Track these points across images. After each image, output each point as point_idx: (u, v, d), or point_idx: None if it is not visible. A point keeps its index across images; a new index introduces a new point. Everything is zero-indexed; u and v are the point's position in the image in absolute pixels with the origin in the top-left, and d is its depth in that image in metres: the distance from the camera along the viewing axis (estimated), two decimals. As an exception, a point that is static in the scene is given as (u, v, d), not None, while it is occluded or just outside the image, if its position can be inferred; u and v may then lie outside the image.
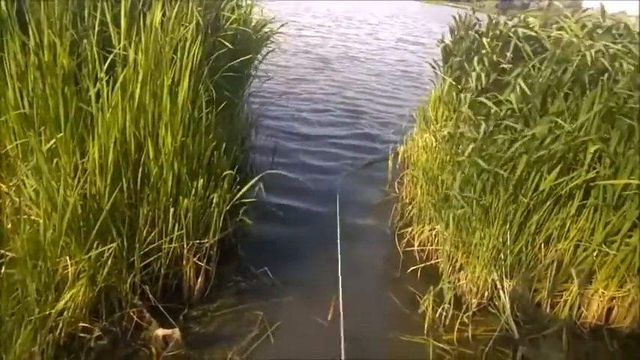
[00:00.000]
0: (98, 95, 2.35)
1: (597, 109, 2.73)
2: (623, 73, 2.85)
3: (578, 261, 2.86)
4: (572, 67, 2.83)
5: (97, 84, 2.36)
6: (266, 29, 4.55)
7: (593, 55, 2.83)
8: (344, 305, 2.65)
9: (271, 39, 4.63)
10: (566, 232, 2.89)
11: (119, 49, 2.45)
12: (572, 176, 2.77)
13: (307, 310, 2.67)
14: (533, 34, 3.29)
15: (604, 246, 2.79)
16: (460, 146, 3.07)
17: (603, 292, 2.85)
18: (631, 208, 2.73)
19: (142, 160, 2.46)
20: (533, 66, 2.97)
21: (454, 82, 3.65)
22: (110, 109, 2.34)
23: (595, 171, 2.76)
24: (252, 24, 4.25)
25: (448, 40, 4.43)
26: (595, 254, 2.81)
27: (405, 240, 3.33)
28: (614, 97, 2.74)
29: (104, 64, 2.37)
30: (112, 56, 2.44)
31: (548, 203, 2.83)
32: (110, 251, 2.18)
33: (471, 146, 2.85)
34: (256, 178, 2.80)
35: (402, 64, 11.13)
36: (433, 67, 4.43)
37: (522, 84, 2.87)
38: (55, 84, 2.28)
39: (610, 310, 2.88)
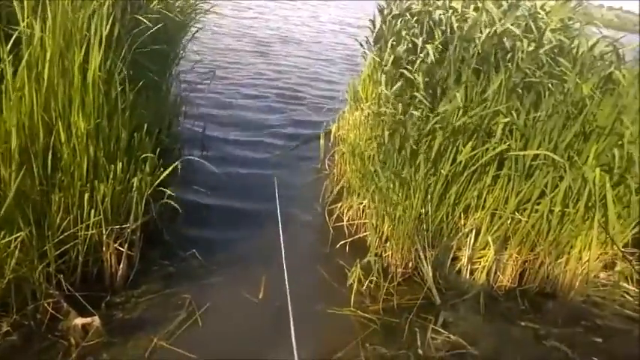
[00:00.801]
0: (1, 76, 2.18)
1: (504, 83, 2.88)
2: (523, 52, 3.02)
3: (494, 229, 3.05)
4: (474, 45, 2.96)
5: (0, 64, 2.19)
6: (196, 9, 4.39)
7: (490, 33, 2.98)
8: (274, 281, 2.68)
9: (202, 18, 4.48)
10: (483, 201, 3.07)
11: (24, 26, 2.27)
12: (486, 148, 2.92)
13: (237, 290, 2.67)
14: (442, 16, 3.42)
15: (517, 213, 2.99)
16: (382, 123, 3.15)
17: (517, 257, 3.06)
18: (539, 177, 2.94)
19: (53, 143, 2.32)
20: (444, 44, 3.09)
21: (380, 61, 3.71)
22: (15, 91, 2.19)
23: (507, 144, 2.92)
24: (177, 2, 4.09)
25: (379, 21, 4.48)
26: (509, 221, 3.01)
27: (335, 215, 3.40)
28: (519, 72, 2.91)
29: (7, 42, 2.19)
30: (16, 34, 2.27)
31: (465, 174, 2.98)
32: (17, 241, 2.06)
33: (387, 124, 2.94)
34: (177, 162, 2.72)
35: (342, 46, 11.07)
36: (362, 45, 4.48)
37: (432, 55, 2.97)
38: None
39: (523, 272, 3.11)
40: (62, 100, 2.37)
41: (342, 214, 3.42)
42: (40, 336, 2.15)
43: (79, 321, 2.17)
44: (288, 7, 15.60)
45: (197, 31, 4.51)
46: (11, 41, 2.24)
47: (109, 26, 2.50)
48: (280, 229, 2.40)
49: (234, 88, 6.36)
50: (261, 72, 7.46)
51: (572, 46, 3.39)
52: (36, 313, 2.19)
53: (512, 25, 3.13)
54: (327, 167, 4.23)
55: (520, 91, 3.01)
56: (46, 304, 2.20)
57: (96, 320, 2.18)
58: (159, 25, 3.19)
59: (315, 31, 12.62)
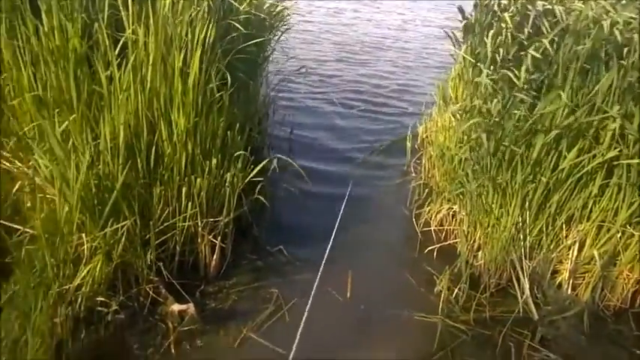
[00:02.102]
0: (110, 78, 2.37)
1: (616, 83, 2.61)
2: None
3: (601, 242, 2.78)
4: (587, 40, 2.70)
5: (109, 67, 2.37)
6: (283, 11, 4.50)
7: (607, 26, 2.69)
8: (361, 283, 2.65)
9: (288, 21, 4.59)
10: (589, 212, 2.81)
11: (129, 32, 2.45)
12: (593, 154, 2.67)
13: (324, 288, 2.66)
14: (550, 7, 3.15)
15: (628, 227, 2.70)
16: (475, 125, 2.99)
17: (628, 275, 2.76)
18: (657, 188, 2.63)
19: (156, 140, 2.48)
20: (552, 40, 2.85)
21: (473, 60, 3.54)
22: (122, 92, 2.36)
23: (617, 150, 2.65)
24: (266, 6, 4.21)
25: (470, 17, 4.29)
26: (619, 235, 2.72)
27: (423, 220, 3.29)
28: (635, 70, 2.62)
29: (115, 47, 2.37)
30: (123, 39, 2.45)
31: (569, 182, 2.75)
32: (124, 229, 2.22)
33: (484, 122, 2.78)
34: (266, 161, 2.78)
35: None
36: (453, 44, 4.31)
37: (536, 54, 2.76)
38: (67, 67, 2.31)
39: (635, 293, 2.80)
40: (164, 100, 2.52)
41: (430, 219, 3.30)
42: (143, 317, 2.30)
43: (176, 307, 2.29)
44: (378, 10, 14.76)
45: (283, 33, 4.60)
46: (119, 46, 2.42)
47: (205, 31, 2.61)
48: (335, 229, 2.34)
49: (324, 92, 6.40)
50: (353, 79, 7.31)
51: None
52: (139, 296, 2.35)
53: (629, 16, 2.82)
54: (413, 170, 4.12)
55: (636, 92, 2.71)
56: (147, 289, 2.34)
57: (191, 307, 2.29)
58: (249, 30, 3.30)
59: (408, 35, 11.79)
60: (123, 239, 2.24)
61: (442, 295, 2.63)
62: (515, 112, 2.71)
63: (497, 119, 2.80)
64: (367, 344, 2.37)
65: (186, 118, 2.53)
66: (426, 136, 4.44)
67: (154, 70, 2.46)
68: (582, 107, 2.65)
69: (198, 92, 2.58)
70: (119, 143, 2.35)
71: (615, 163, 2.71)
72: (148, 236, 2.37)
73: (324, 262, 2.47)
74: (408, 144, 4.39)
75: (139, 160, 2.48)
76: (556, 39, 2.85)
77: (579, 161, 2.72)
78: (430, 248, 3.04)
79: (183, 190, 2.53)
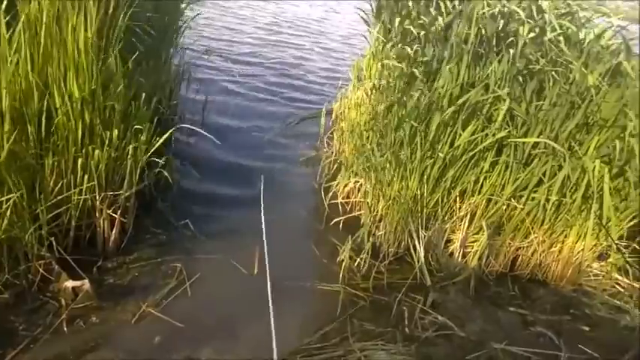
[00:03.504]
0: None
1: (506, 68, 2.84)
2: (527, 36, 2.95)
3: (489, 214, 3.04)
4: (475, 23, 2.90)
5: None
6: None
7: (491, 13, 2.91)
8: (268, 258, 2.68)
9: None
10: (480, 186, 3.05)
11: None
12: (485, 133, 2.89)
13: (228, 262, 2.68)
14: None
15: (513, 200, 2.97)
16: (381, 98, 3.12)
17: (510, 243, 3.06)
18: (538, 165, 2.91)
19: (48, 108, 2.31)
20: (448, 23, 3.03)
21: (383, 38, 3.65)
22: (10, 53, 2.16)
23: (507, 130, 2.89)
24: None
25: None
26: (504, 208, 3.00)
27: (331, 193, 3.39)
28: (522, 58, 2.85)
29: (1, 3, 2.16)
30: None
31: (463, 159, 2.96)
32: (10, 201, 2.06)
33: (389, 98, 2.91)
34: (171, 130, 2.69)
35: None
36: (366, 22, 4.41)
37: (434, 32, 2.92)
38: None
39: (515, 259, 3.11)
40: (57, 64, 2.34)
41: (338, 192, 3.41)
42: (32, 296, 2.17)
43: (70, 283, 2.19)
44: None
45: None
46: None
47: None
48: (262, 207, 2.37)
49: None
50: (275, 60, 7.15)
51: (580, 35, 3.31)
52: (27, 273, 2.21)
53: (516, 7, 3.06)
54: (325, 146, 4.21)
55: (522, 78, 2.96)
56: (37, 265, 2.21)
57: (86, 284, 2.20)
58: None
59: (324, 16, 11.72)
60: (8, 213, 2.08)
61: (344, 264, 2.74)
62: (413, 93, 2.85)
63: (399, 95, 2.94)
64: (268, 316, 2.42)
65: (82, 84, 2.38)
66: (340, 113, 4.54)
67: (47, 30, 2.27)
68: (476, 88, 2.84)
69: (95, 58, 2.42)
70: (3, 109, 2.16)
71: (505, 142, 2.96)
72: (37, 210, 2.23)
73: (228, 235, 2.48)
74: (322, 120, 4.47)
75: (29, 128, 2.30)
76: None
77: (473, 139, 2.94)
78: (336, 220, 3.15)
79: (79, 161, 2.39)
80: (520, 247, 3.08)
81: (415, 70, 2.88)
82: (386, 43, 3.53)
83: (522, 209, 2.95)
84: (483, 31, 2.96)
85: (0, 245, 2.12)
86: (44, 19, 2.26)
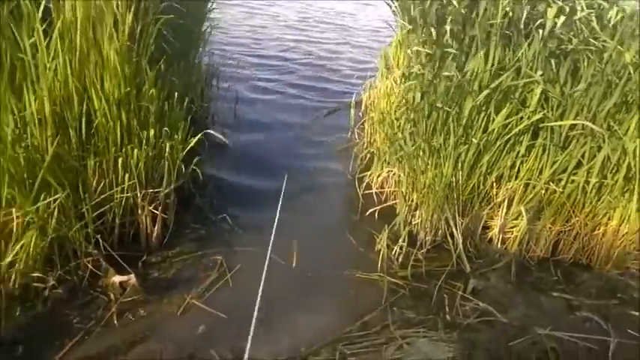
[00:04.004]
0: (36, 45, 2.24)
1: (538, 49, 2.76)
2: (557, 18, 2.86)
3: (527, 199, 2.98)
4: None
5: (33, 34, 2.24)
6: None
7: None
8: (305, 247, 2.72)
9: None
10: (517, 171, 2.99)
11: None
12: (519, 116, 2.83)
13: (266, 254, 2.71)
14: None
15: (551, 184, 2.90)
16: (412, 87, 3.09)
17: (550, 227, 2.99)
18: (576, 148, 2.84)
19: (87, 111, 2.40)
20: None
21: (410, 26, 3.60)
22: (49, 60, 2.25)
23: (542, 113, 2.82)
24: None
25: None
26: (543, 192, 2.93)
27: (365, 184, 3.38)
28: (554, 39, 2.77)
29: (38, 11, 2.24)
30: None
31: (498, 144, 2.90)
32: (57, 202, 2.16)
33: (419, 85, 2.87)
34: (200, 135, 2.73)
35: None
36: (393, 11, 4.35)
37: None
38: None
39: (556, 243, 3.04)
40: (93, 68, 2.42)
41: (372, 183, 3.41)
42: (83, 291, 2.27)
43: (117, 278, 2.27)
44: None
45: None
46: (41, 8, 2.27)
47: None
48: (280, 202, 2.40)
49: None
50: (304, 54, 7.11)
51: (611, 14, 3.18)
52: (78, 270, 2.31)
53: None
54: (357, 137, 4.20)
55: (556, 59, 2.88)
56: (85, 262, 2.31)
57: (132, 278, 2.28)
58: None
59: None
60: (56, 213, 2.18)
61: (381, 253, 2.74)
62: (445, 73, 2.81)
63: (430, 79, 2.90)
64: (311, 306, 2.45)
65: (117, 87, 2.45)
66: (370, 103, 4.52)
67: (83, 36, 2.36)
68: (507, 71, 2.78)
69: (129, 61, 2.49)
70: (45, 114, 2.25)
71: (540, 125, 2.89)
72: (83, 209, 2.32)
73: (273, 229, 2.52)
74: (352, 110, 4.46)
75: (70, 132, 2.39)
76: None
77: (508, 123, 2.88)
78: (371, 210, 3.14)
79: (120, 160, 2.48)
80: (561, 232, 3.01)
81: (448, 50, 2.83)
82: (411, 29, 3.48)
83: (562, 193, 2.88)
84: (511, 13, 2.89)
85: (51, 244, 2.22)
86: (78, 26, 2.33)
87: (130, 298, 2.26)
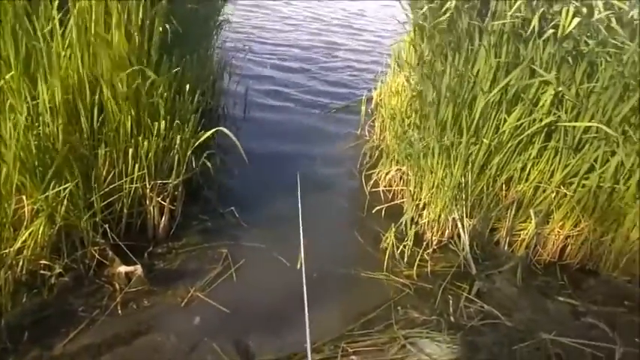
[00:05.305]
0: (51, 34, 2.26)
1: (552, 50, 2.72)
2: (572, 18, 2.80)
3: (537, 202, 2.95)
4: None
5: (50, 22, 2.25)
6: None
7: None
8: (310, 245, 2.70)
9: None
10: (527, 174, 2.96)
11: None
12: (532, 118, 2.79)
13: (273, 250, 2.72)
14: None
15: (562, 187, 2.87)
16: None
17: (559, 232, 2.96)
18: (589, 151, 2.79)
19: (99, 101, 2.41)
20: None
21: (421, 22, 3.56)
22: (63, 49, 2.27)
23: (556, 115, 2.78)
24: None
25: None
26: (553, 195, 2.90)
27: (372, 181, 3.37)
28: (569, 40, 2.73)
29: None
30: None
31: (509, 145, 2.87)
32: (67, 190, 2.17)
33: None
34: (213, 130, 2.70)
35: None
36: (404, 9, 4.32)
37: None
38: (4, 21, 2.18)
39: (564, 247, 3.01)
40: (105, 59, 2.43)
41: (380, 181, 3.39)
42: (89, 279, 2.29)
43: (123, 269, 2.29)
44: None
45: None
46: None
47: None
48: (299, 194, 2.39)
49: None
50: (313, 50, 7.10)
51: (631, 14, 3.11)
52: (84, 258, 2.33)
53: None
54: (366, 134, 4.19)
55: (571, 60, 2.83)
56: (92, 251, 2.33)
57: (138, 269, 2.30)
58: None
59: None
60: (65, 201, 2.20)
61: (387, 252, 2.73)
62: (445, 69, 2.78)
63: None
64: (315, 303, 2.44)
65: (126, 79, 2.46)
66: (380, 100, 4.50)
67: (96, 26, 2.36)
68: (517, 69, 2.74)
69: (141, 52, 2.50)
70: (57, 103, 2.26)
71: (553, 127, 2.85)
72: (92, 198, 2.34)
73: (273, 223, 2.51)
74: (363, 107, 4.44)
75: (82, 121, 2.41)
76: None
77: (519, 124, 2.85)
78: (378, 208, 3.13)
79: (130, 151, 2.49)
80: (569, 236, 2.97)
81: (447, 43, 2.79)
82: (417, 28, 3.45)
83: (572, 197, 2.84)
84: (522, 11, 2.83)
85: (59, 232, 2.24)
86: (92, 16, 2.34)
87: (135, 289, 2.27)
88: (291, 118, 4.51)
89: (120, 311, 2.16)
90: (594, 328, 2.51)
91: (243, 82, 4.81)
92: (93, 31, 2.34)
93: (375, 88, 4.71)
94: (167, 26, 2.62)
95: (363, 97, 4.53)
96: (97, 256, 2.33)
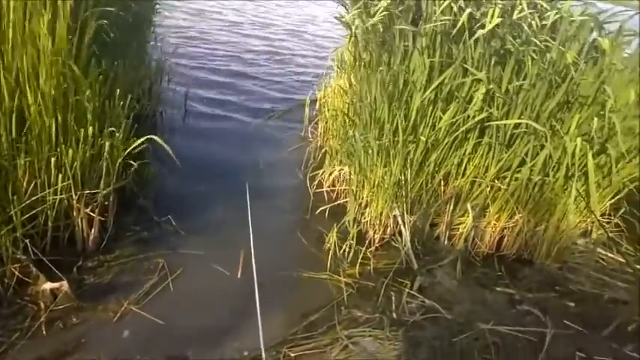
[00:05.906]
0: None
1: (482, 50, 2.81)
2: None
3: (473, 196, 3.03)
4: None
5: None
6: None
7: None
8: (247, 251, 2.64)
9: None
10: (464, 169, 3.04)
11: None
12: (466, 115, 2.87)
13: (212, 257, 2.64)
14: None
15: (496, 181, 2.96)
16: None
17: (495, 224, 3.06)
18: (520, 146, 2.90)
19: (18, 107, 2.25)
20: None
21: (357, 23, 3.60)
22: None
23: (488, 112, 2.87)
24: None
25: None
26: (488, 189, 2.99)
27: (316, 182, 3.36)
28: (496, 39, 2.83)
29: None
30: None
31: (446, 142, 2.94)
32: (-20, 204, 2.02)
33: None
34: (144, 138, 2.58)
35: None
36: (344, 6, 4.34)
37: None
38: None
39: (501, 239, 3.11)
40: (28, 62, 2.28)
41: (323, 181, 3.39)
42: (8, 300, 2.12)
43: (47, 286, 2.14)
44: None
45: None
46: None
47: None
48: (248, 199, 2.33)
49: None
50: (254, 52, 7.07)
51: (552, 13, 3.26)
52: (3, 277, 2.16)
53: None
54: (310, 136, 4.17)
55: (499, 59, 2.93)
56: (12, 269, 2.17)
57: (64, 285, 2.16)
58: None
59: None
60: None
61: (330, 252, 2.72)
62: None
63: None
64: (253, 311, 2.39)
65: (53, 82, 2.32)
66: (323, 102, 4.50)
67: (17, 27, 2.21)
68: (449, 68, 2.81)
69: (68, 55, 2.36)
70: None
71: (486, 124, 2.94)
72: (12, 212, 2.18)
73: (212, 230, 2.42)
74: (306, 110, 4.43)
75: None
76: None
77: (455, 121, 2.92)
78: (322, 209, 3.12)
79: (52, 160, 2.34)
80: (505, 228, 3.08)
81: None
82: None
83: (506, 190, 2.94)
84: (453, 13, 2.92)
85: (-27, 249, 2.08)
86: (11, 16, 2.19)
87: (61, 306, 2.13)
88: (233, 124, 4.43)
89: (45, 332, 2.01)
90: (529, 314, 2.61)
91: (184, 87, 4.67)
92: (12, 31, 2.19)
93: (320, 91, 4.71)
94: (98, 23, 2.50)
95: (307, 100, 4.51)
96: (17, 273, 2.17)
